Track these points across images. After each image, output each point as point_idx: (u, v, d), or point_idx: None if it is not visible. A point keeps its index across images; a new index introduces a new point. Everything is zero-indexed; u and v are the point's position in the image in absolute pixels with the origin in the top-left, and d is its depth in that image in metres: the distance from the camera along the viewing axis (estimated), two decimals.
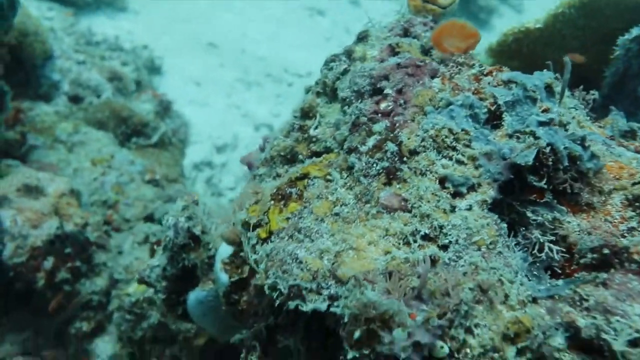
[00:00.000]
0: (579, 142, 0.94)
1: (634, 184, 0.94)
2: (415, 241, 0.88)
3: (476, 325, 0.77)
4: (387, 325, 0.75)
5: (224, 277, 1.28)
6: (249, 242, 0.98)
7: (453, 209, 0.91)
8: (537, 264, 0.92)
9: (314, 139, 1.16)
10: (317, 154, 1.15)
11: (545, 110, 0.98)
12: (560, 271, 0.91)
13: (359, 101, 1.08)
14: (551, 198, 0.93)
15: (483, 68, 1.07)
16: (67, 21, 4.34)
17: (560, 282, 0.89)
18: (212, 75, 5.76)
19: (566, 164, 0.92)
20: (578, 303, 0.85)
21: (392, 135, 0.98)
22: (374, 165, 0.97)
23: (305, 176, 1.03)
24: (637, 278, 0.84)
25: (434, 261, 0.85)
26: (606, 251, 0.87)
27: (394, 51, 1.15)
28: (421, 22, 1.23)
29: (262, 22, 6.53)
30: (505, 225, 0.91)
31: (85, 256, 2.53)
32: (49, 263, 2.40)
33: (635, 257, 0.85)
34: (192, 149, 4.65)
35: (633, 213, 0.91)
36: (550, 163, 0.92)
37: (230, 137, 5.26)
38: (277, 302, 0.88)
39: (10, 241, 2.37)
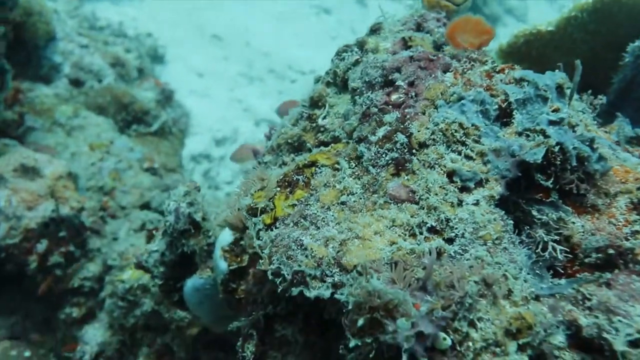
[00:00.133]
0: (587, 143, 0.94)
1: (639, 188, 0.95)
2: (421, 233, 0.87)
3: (479, 319, 0.77)
4: (390, 314, 0.74)
5: (223, 265, 1.27)
6: (254, 227, 0.97)
7: (460, 202, 0.90)
8: (540, 263, 0.92)
9: (322, 129, 1.15)
10: (325, 144, 1.14)
11: (556, 110, 0.98)
12: (562, 271, 0.91)
13: (370, 92, 1.07)
14: (557, 198, 0.93)
15: (495, 65, 1.07)
16: (71, 4, 4.31)
17: (562, 281, 0.89)
18: (215, 68, 5.74)
19: (574, 164, 0.92)
20: (581, 302, 0.85)
21: (402, 126, 0.98)
22: (384, 155, 0.96)
23: (313, 164, 1.02)
24: None
25: (439, 253, 0.85)
26: (611, 251, 0.87)
27: (406, 44, 1.15)
28: (434, 17, 1.23)
29: (267, 17, 6.52)
30: (511, 221, 0.91)
31: (79, 241, 2.50)
32: (42, 246, 2.36)
33: None
34: (191, 140, 4.62)
35: (637, 217, 0.92)
36: (559, 162, 0.92)
37: (230, 130, 5.23)
38: (280, 288, 0.87)
39: (4, 222, 2.33)
